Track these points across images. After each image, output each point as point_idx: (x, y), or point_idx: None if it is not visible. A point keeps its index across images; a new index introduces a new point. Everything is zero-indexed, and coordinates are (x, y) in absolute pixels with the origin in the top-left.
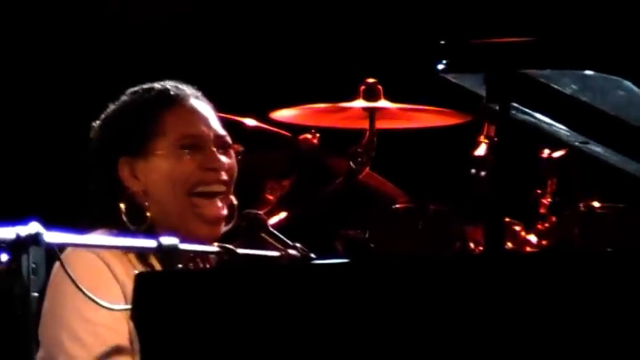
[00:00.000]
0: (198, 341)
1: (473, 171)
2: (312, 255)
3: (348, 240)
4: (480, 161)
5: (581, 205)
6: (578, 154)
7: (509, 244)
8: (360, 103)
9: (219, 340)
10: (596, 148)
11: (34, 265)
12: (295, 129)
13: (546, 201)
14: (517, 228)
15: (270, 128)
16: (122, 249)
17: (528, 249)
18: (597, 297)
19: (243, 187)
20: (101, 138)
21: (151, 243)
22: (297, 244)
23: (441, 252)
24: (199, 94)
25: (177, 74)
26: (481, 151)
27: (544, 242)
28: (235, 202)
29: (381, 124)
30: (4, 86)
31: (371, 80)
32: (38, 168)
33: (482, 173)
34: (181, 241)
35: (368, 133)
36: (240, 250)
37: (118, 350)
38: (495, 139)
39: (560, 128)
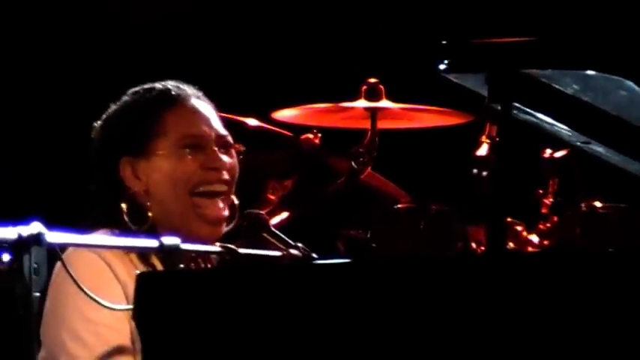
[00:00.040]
0: (199, 341)
1: (475, 171)
2: (314, 255)
3: (349, 240)
4: (481, 161)
5: (583, 205)
6: (579, 154)
7: (511, 244)
8: (361, 103)
9: (220, 340)
10: (598, 148)
11: (35, 265)
12: (297, 129)
13: (548, 201)
14: (519, 228)
15: (272, 128)
16: (124, 249)
17: (530, 249)
18: (599, 297)
19: (244, 187)
20: (102, 138)
21: (152, 243)
22: (299, 244)
23: (443, 252)
24: (200, 94)
25: (179, 74)
26: (483, 151)
27: (546, 242)
28: (237, 202)
29: (382, 124)
30: (4, 86)
31: (373, 80)
32: (40, 168)
33: (484, 173)
34: (183, 241)
35: (370, 133)
36: (241, 250)
37: (119, 350)
38: (497, 139)
39: (562, 128)
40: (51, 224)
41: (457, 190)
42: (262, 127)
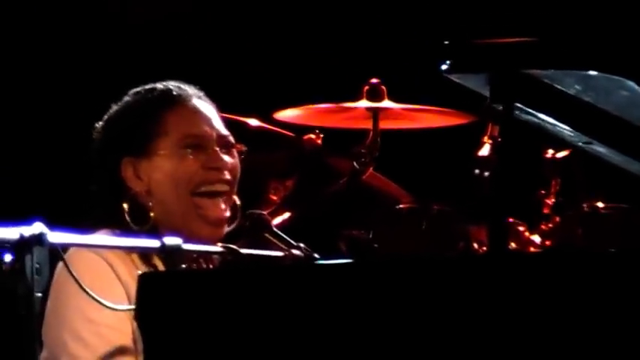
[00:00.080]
0: (201, 341)
1: (476, 171)
2: (316, 255)
3: (351, 240)
4: (483, 161)
5: (585, 205)
6: (581, 155)
7: (513, 245)
8: (363, 104)
9: (222, 340)
10: (600, 149)
11: (37, 266)
12: (299, 129)
13: (550, 201)
14: (521, 228)
15: (274, 128)
16: (125, 249)
17: (532, 249)
18: (601, 297)
19: (246, 187)
20: (104, 138)
21: (154, 243)
22: (301, 245)
23: (445, 252)
24: (202, 94)
25: (181, 75)
26: (485, 151)
27: (547, 242)
28: (238, 202)
29: (384, 125)
30: (5, 87)
31: (374, 80)
32: (41, 169)
33: (486, 173)
34: (184, 242)
35: (372, 133)
36: (243, 251)
37: (121, 350)
38: (499, 139)
39: (564, 128)
40: (53, 224)
41: (459, 190)
42: (264, 127)
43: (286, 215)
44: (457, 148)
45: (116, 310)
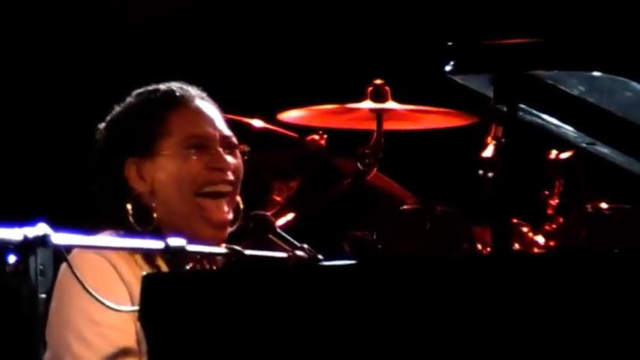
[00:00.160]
0: (205, 342)
1: (480, 172)
2: (320, 256)
3: (355, 241)
4: (487, 162)
5: (589, 206)
6: (585, 155)
7: (517, 245)
8: (367, 104)
9: (226, 341)
10: (603, 149)
11: (41, 267)
12: (303, 130)
13: (553, 202)
14: (524, 229)
15: (278, 129)
16: (129, 250)
17: (536, 250)
18: (604, 298)
19: (250, 188)
20: (107, 139)
21: (158, 244)
22: (305, 245)
23: (449, 253)
24: (205, 94)
25: (184, 76)
26: (488, 152)
27: (551, 243)
28: (241, 204)
29: (388, 125)
30: (7, 88)
31: (378, 81)
32: (44, 170)
33: (490, 174)
34: (187, 242)
35: (375, 134)
36: (247, 252)
37: (124, 352)
38: (503, 140)
39: (568, 129)
40: (56, 225)
41: (463, 191)
42: (268, 128)
43: (290, 216)
44: (461, 148)
45: (120, 311)
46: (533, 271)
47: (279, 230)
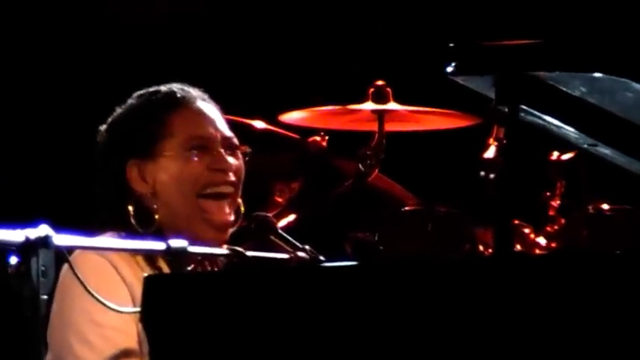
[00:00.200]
0: (207, 344)
1: (482, 173)
2: (321, 257)
3: (357, 242)
4: (489, 163)
5: (590, 207)
6: (586, 156)
7: (518, 247)
8: (369, 106)
9: (228, 342)
10: (605, 150)
11: (43, 268)
12: (304, 131)
13: (555, 203)
14: (526, 230)
15: (279, 131)
16: (131, 251)
17: (537, 251)
18: (606, 299)
19: (252, 189)
20: (108, 141)
21: (159, 245)
22: (306, 247)
23: (450, 254)
24: (206, 96)
25: (186, 77)
26: (490, 153)
27: (553, 244)
28: (242, 206)
29: (390, 127)
30: (8, 89)
31: (380, 82)
32: (46, 171)
33: (492, 175)
34: (189, 244)
35: (377, 135)
36: (249, 253)
37: (126, 353)
38: (504, 141)
39: (569, 130)
40: (58, 227)
41: (464, 192)
42: (269, 129)
43: (291, 217)
44: (462, 150)
45: (121, 312)
46: (535, 272)
47: (280, 231)
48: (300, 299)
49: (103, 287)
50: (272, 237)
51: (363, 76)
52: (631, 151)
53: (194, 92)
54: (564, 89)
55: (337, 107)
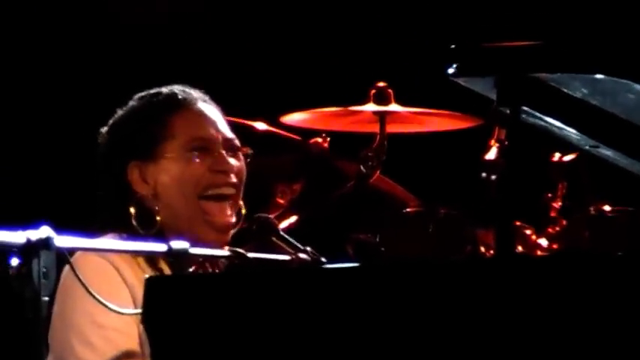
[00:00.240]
0: (208, 345)
1: (483, 175)
2: (323, 259)
3: (358, 244)
4: (490, 165)
5: (592, 208)
6: (588, 158)
7: (520, 248)
8: (370, 107)
9: (229, 344)
10: (607, 152)
11: (44, 270)
12: (306, 133)
13: (557, 205)
14: (528, 232)
15: (281, 132)
16: (133, 253)
17: (539, 252)
18: (608, 300)
19: (253, 191)
20: (110, 143)
21: (161, 247)
22: (308, 248)
23: (452, 255)
24: (207, 97)
25: (187, 78)
26: (492, 154)
27: (554, 246)
28: (243, 207)
29: (391, 128)
30: (9, 90)
31: (381, 84)
32: (47, 173)
33: (493, 177)
34: (191, 245)
35: (378, 136)
36: (250, 254)
37: (128, 354)
38: (506, 142)
39: (571, 132)
40: (59, 228)
41: (466, 193)
42: (271, 131)
43: (293, 219)
44: (464, 151)
45: (123, 313)
46: (537, 273)
47: (282, 233)
48: (302, 301)
49: (105, 289)
50: (273, 238)
51: (365, 77)
52: (632, 153)
53: (195, 94)
54: (566, 91)
55: (339, 109)
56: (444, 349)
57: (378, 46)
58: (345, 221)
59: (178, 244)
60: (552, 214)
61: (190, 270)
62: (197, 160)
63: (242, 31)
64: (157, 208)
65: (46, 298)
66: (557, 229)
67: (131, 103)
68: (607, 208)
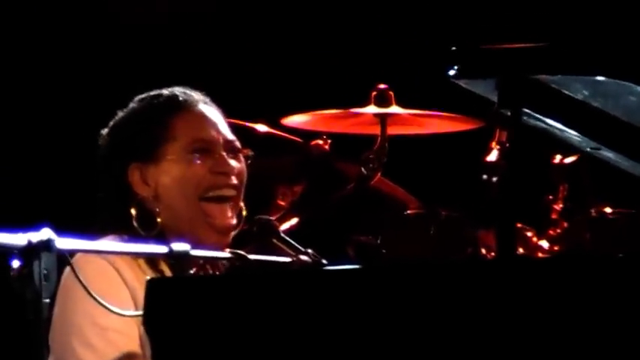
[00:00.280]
0: (209, 347)
1: (484, 177)
2: (324, 260)
3: (359, 245)
4: (491, 167)
5: (593, 210)
6: (589, 160)
7: (521, 250)
8: (371, 109)
9: (230, 346)
10: (608, 154)
11: (45, 271)
12: (307, 135)
13: (558, 207)
14: (529, 233)
15: (282, 134)
16: (133, 254)
17: (540, 254)
18: (608, 302)
19: (254, 193)
20: (110, 144)
21: (162, 249)
22: (309, 250)
23: (453, 257)
24: (208, 99)
25: (188, 80)
26: (493, 156)
27: (556, 248)
28: (244, 209)
29: (392, 130)
30: (9, 92)
31: (382, 86)
32: (49, 175)
33: (494, 179)
34: (191, 247)
35: (379, 138)
36: (251, 256)
37: (129, 356)
38: (507, 144)
39: (572, 134)
40: (60, 230)
41: (467, 195)
42: (272, 132)
43: (294, 221)
44: (465, 153)
45: (124, 315)
46: (538, 275)
47: (283, 235)
48: (303, 303)
49: (105, 290)
50: (274, 240)
51: (366, 79)
52: (634, 155)
53: (196, 95)
54: (567, 92)
55: (340, 111)
56: (446, 350)
57: (378, 48)
58: (346, 223)
59: (179, 246)
60: (553, 216)
61: (191, 272)
62: (198, 162)
63: (243, 33)
64: (157, 209)
65: (47, 300)
66: (559, 231)
67: (132, 104)
68: (608, 210)
